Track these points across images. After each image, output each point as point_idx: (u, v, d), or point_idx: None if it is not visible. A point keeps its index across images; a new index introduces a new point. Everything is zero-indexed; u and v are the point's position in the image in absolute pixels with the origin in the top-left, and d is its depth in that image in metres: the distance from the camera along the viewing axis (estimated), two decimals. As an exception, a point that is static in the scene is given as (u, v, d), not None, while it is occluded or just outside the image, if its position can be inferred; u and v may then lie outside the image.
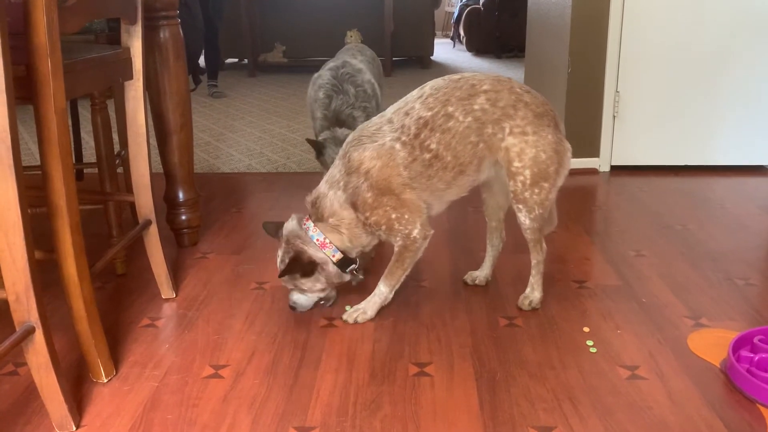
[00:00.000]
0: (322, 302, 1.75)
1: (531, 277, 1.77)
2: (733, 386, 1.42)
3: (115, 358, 1.54)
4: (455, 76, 1.65)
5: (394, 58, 6.41)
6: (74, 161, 2.66)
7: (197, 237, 2.25)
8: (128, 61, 1.67)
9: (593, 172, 3.02)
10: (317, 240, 1.65)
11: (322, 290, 1.71)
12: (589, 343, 1.59)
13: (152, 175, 1.77)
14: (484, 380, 1.45)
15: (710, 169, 3.02)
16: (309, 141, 2.33)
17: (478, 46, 7.64)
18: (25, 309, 1.21)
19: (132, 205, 1.81)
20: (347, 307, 1.77)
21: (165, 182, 2.17)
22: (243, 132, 3.95)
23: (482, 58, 7.41)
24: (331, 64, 2.47)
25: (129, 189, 1.80)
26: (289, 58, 6.54)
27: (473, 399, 1.38)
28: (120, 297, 1.87)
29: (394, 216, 1.61)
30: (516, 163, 1.61)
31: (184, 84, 2.10)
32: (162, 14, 1.99)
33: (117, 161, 2.13)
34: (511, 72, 6.20)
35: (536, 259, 1.76)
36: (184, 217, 2.19)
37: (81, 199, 1.42)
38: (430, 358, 1.54)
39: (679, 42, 2.87)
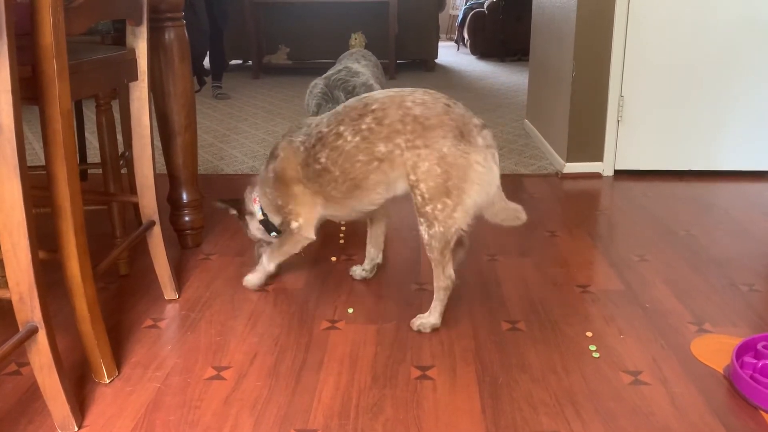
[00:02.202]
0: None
1: (433, 300, 1.68)
2: (736, 392, 1.41)
3: (118, 358, 1.55)
4: (365, 96, 1.68)
5: (398, 61, 6.41)
6: (78, 162, 2.67)
7: (200, 238, 2.25)
8: (133, 62, 1.68)
9: (597, 176, 3.01)
10: (253, 197, 1.90)
11: (257, 239, 1.95)
12: (592, 347, 1.59)
13: (156, 176, 1.77)
14: (487, 384, 1.45)
15: (715, 174, 3.01)
16: None
17: (482, 50, 7.64)
18: (29, 309, 1.21)
19: (136, 206, 1.81)
20: (349, 310, 1.78)
21: (169, 183, 2.17)
22: (247, 133, 3.95)
23: (486, 61, 7.41)
24: (329, 71, 2.47)
25: (133, 190, 1.81)
26: (294, 60, 6.54)
27: (475, 403, 1.38)
28: (123, 298, 1.87)
29: (280, 202, 1.79)
30: (411, 176, 1.59)
31: (188, 85, 2.10)
32: (167, 16, 1.99)
33: (121, 162, 2.13)
34: (515, 76, 6.20)
35: (437, 284, 1.65)
36: (187, 219, 2.19)
37: (85, 199, 1.43)
38: (432, 361, 1.54)
39: (683, 47, 2.87)
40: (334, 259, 2.12)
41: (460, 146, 1.55)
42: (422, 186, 1.57)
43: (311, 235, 1.80)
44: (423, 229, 1.62)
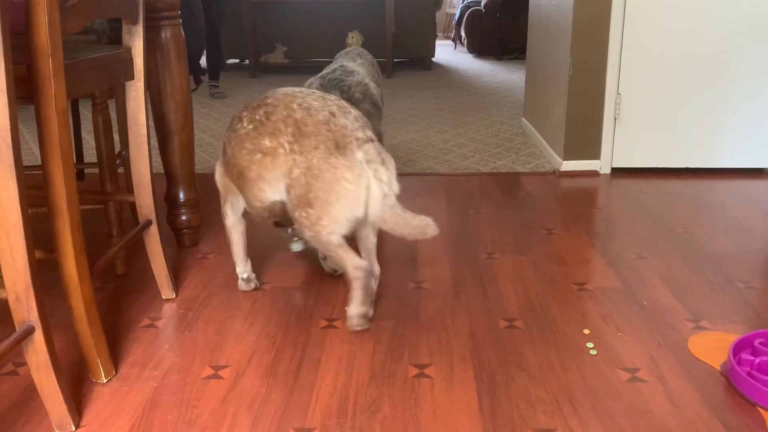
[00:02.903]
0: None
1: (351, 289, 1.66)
2: (733, 389, 1.41)
3: (115, 358, 1.54)
4: (274, 90, 1.69)
5: (395, 60, 6.41)
6: (75, 161, 2.66)
7: (198, 237, 2.25)
8: (129, 61, 1.67)
9: (594, 174, 3.02)
10: None
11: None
12: (590, 345, 1.59)
13: (153, 176, 1.77)
14: (484, 382, 1.45)
15: (712, 171, 3.02)
16: None
17: (479, 48, 7.64)
18: (25, 309, 1.21)
19: (132, 205, 1.81)
20: (347, 308, 1.78)
21: (166, 182, 2.17)
22: (244, 133, 3.94)
23: (483, 59, 7.41)
24: (324, 70, 2.46)
25: (130, 189, 1.80)
26: (291, 59, 6.54)
27: (473, 401, 1.38)
28: (120, 297, 1.87)
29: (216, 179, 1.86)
30: (286, 179, 1.58)
31: (185, 84, 2.10)
32: (164, 14, 1.99)
33: (118, 161, 2.13)
34: (512, 74, 6.20)
35: (347, 276, 1.63)
36: (184, 218, 2.19)
37: (82, 198, 1.42)
38: (430, 359, 1.54)
39: (680, 44, 2.87)
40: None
41: (331, 159, 1.52)
42: (292, 191, 1.57)
43: (229, 218, 1.86)
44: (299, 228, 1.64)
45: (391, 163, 1.58)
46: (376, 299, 1.83)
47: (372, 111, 2.37)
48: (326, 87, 2.34)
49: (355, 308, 1.65)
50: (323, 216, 1.55)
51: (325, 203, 1.53)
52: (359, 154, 1.52)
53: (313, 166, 1.53)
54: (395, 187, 1.56)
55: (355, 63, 2.54)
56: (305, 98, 1.60)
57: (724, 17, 2.84)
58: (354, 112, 1.60)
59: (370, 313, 1.68)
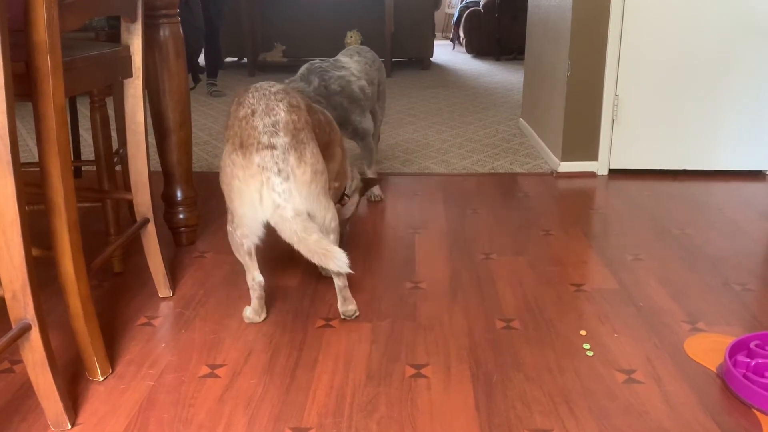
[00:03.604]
0: None
1: None
2: (729, 391, 1.42)
3: (112, 356, 1.54)
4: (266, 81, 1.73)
5: (393, 60, 6.41)
6: (72, 158, 2.66)
7: (195, 236, 2.25)
8: (128, 59, 1.67)
9: (592, 175, 3.02)
10: None
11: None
12: (586, 346, 1.59)
13: (151, 174, 1.77)
14: (481, 382, 1.45)
15: (709, 173, 3.02)
16: None
17: (477, 48, 7.64)
18: (22, 306, 1.21)
19: (130, 204, 1.81)
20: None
21: (163, 181, 2.17)
22: (242, 131, 3.94)
23: (482, 60, 7.41)
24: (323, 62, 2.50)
25: (127, 187, 1.80)
26: (289, 57, 6.53)
27: (470, 401, 1.38)
28: (117, 295, 1.86)
29: None
30: None
31: (183, 82, 2.10)
32: (162, 12, 1.99)
33: (115, 159, 2.13)
34: (510, 74, 6.20)
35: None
36: (182, 216, 2.18)
37: (79, 196, 1.42)
38: (426, 359, 1.54)
39: (678, 46, 2.88)
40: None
41: (233, 155, 1.54)
42: None
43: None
44: None
45: (300, 177, 1.53)
46: (372, 298, 1.83)
47: (347, 105, 2.41)
48: (310, 71, 2.37)
49: (248, 312, 1.74)
50: (232, 211, 1.60)
51: (228, 198, 1.59)
52: (256, 158, 1.51)
53: (223, 158, 1.59)
54: (296, 201, 1.52)
55: (351, 59, 2.56)
56: (252, 93, 1.58)
57: (722, 20, 2.84)
58: (279, 117, 1.53)
59: (262, 317, 1.73)
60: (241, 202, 1.55)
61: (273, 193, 1.51)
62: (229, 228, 1.66)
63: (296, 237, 1.52)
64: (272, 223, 1.54)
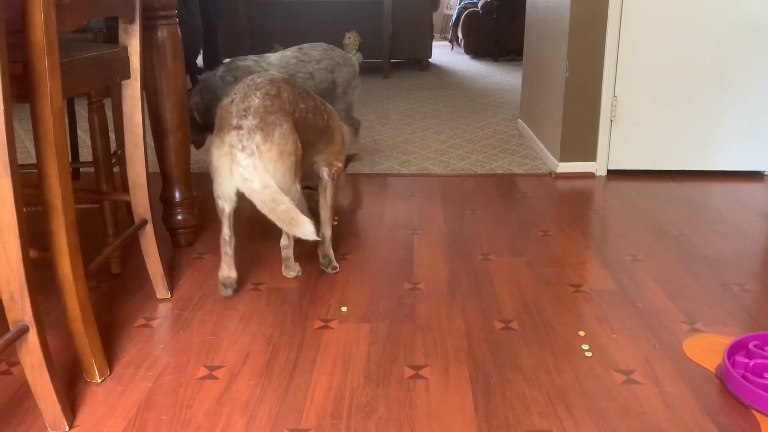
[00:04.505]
0: None
1: None
2: (728, 392, 1.42)
3: (110, 358, 1.54)
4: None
5: (392, 61, 6.41)
6: (71, 160, 2.65)
7: (193, 237, 2.24)
8: (126, 60, 1.67)
9: (590, 176, 3.02)
10: None
11: None
12: (585, 347, 1.59)
13: (149, 175, 1.76)
14: (479, 383, 1.45)
15: (707, 174, 3.02)
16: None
17: (476, 49, 7.64)
18: (19, 308, 1.20)
19: (128, 205, 1.81)
20: (343, 309, 1.77)
21: (161, 182, 2.17)
22: (240, 132, 3.94)
23: (480, 61, 7.41)
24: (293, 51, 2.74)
25: (125, 188, 1.80)
26: (288, 58, 6.52)
27: (468, 402, 1.38)
28: (115, 297, 1.86)
29: None
30: None
31: (181, 84, 2.09)
32: (160, 14, 1.99)
33: (113, 160, 2.12)
34: (509, 75, 6.21)
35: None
36: (180, 217, 2.18)
37: (77, 198, 1.42)
38: (425, 360, 1.54)
39: (677, 47, 2.88)
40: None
41: (214, 139, 1.76)
42: None
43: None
44: None
45: (265, 153, 1.69)
46: (371, 299, 1.83)
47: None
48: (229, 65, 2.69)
49: (220, 271, 1.88)
50: (214, 180, 1.78)
51: (212, 174, 1.78)
52: (227, 138, 1.70)
53: (212, 137, 1.79)
54: (262, 175, 1.67)
55: (283, 54, 2.76)
56: (240, 84, 1.80)
57: (720, 21, 2.84)
58: (252, 103, 1.72)
59: (233, 276, 1.87)
60: (218, 177, 1.75)
61: (239, 167, 1.68)
62: (215, 196, 1.83)
63: (266, 207, 1.67)
64: (247, 195, 1.70)
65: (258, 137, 1.69)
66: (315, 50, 2.77)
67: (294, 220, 1.66)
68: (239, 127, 1.70)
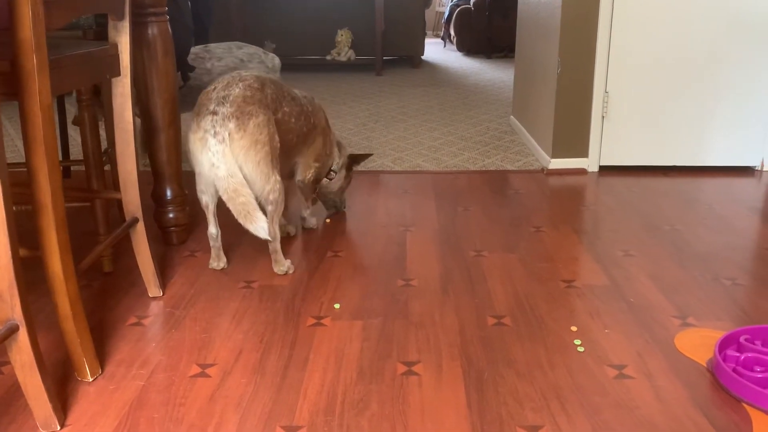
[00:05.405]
0: None
1: None
2: (719, 385, 1.42)
3: (101, 356, 1.53)
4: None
5: (384, 58, 6.40)
6: (61, 158, 2.64)
7: (185, 235, 2.24)
8: (116, 58, 1.66)
9: (582, 172, 3.03)
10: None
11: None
12: (577, 342, 1.60)
13: (140, 173, 1.75)
14: (472, 379, 1.45)
15: (699, 169, 3.03)
16: None
17: (468, 47, 7.64)
18: (9, 307, 1.20)
19: (119, 203, 1.80)
20: (336, 306, 1.77)
21: (153, 180, 2.16)
22: (232, 130, 3.93)
23: (472, 58, 7.41)
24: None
25: (116, 186, 1.79)
26: (279, 56, 6.50)
27: (461, 398, 1.38)
28: (106, 295, 1.85)
29: None
30: None
31: (172, 81, 2.08)
32: (150, 10, 1.97)
33: (104, 158, 2.11)
34: (501, 72, 6.21)
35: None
36: (171, 215, 2.17)
37: (68, 196, 1.41)
38: (418, 357, 1.54)
39: (668, 43, 2.89)
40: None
41: (192, 123, 1.81)
42: None
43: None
44: None
45: (237, 142, 1.73)
46: (364, 296, 1.83)
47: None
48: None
49: (210, 261, 2.00)
50: (194, 168, 1.83)
51: (189, 158, 1.82)
52: (202, 123, 1.76)
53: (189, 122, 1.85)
54: (230, 163, 1.72)
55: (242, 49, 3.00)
56: (229, 74, 1.86)
57: (711, 17, 2.85)
58: (232, 92, 1.78)
59: (221, 264, 1.99)
60: (194, 162, 1.79)
61: (209, 152, 1.73)
62: (197, 191, 1.90)
63: (226, 195, 1.73)
64: (213, 181, 1.76)
65: (231, 125, 1.72)
66: (219, 48, 2.89)
67: (249, 215, 1.72)
68: (215, 113, 1.75)
